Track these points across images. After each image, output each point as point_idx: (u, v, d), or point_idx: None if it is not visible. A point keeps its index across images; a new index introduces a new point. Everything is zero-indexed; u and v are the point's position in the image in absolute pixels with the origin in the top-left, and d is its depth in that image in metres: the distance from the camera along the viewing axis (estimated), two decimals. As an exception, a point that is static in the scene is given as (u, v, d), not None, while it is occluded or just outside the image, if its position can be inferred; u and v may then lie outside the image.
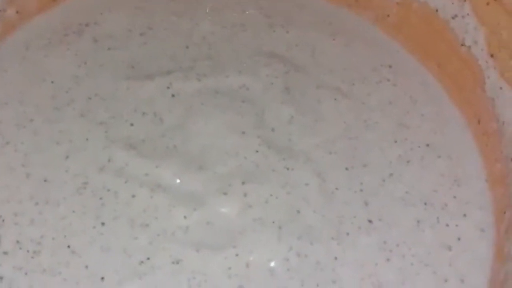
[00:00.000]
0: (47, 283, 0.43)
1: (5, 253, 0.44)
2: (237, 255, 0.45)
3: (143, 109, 0.52)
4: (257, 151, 0.50)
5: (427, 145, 0.52)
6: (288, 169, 0.49)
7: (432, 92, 0.55)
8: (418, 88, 0.56)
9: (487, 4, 0.50)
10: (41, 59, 0.54)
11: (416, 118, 0.53)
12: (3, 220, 0.46)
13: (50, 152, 0.49)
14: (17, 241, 0.45)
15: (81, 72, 0.54)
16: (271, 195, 0.48)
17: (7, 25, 0.56)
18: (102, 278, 0.44)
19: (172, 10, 0.59)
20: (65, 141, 0.50)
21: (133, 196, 0.47)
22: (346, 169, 0.50)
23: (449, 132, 0.53)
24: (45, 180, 0.48)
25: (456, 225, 0.48)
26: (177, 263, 0.45)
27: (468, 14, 0.52)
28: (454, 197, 0.49)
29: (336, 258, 0.46)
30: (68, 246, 0.45)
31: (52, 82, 0.53)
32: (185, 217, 0.46)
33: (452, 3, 0.53)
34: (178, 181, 0.48)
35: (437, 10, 0.54)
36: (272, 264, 0.45)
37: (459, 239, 0.47)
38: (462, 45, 0.53)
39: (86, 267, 0.44)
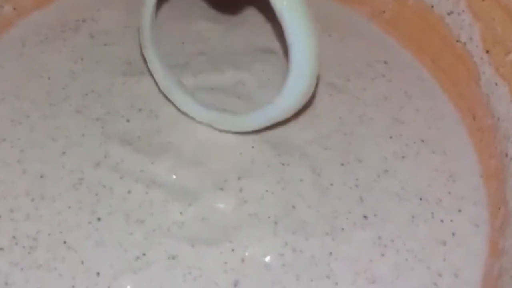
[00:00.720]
0: (43, 278, 0.44)
1: (1, 249, 0.44)
2: (232, 250, 0.45)
3: (139, 105, 0.52)
4: (252, 147, 0.50)
5: (422, 140, 0.52)
6: (283, 164, 0.49)
7: (427, 88, 0.56)
8: (413, 84, 0.56)
9: (482, 0, 0.50)
10: (37, 55, 0.55)
11: (411, 113, 0.54)
12: (0, 216, 0.46)
13: (46, 148, 0.49)
14: (13, 237, 0.45)
15: (78, 68, 0.54)
16: (266, 190, 0.48)
17: (4, 22, 0.56)
18: (98, 273, 0.44)
19: (168, 6, 0.59)
20: (61, 137, 0.50)
21: (129, 191, 0.47)
22: (342, 164, 0.50)
23: (444, 128, 0.53)
24: (41, 176, 0.48)
25: (451, 220, 0.48)
26: (173, 258, 0.45)
27: (463, 11, 0.52)
28: (449, 192, 0.50)
29: (331, 253, 0.46)
30: (64, 242, 0.45)
31: (49, 78, 0.53)
32: (180, 212, 0.46)
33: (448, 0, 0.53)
34: (173, 176, 0.48)
35: (432, 6, 0.54)
36: (268, 259, 0.45)
37: (453, 234, 0.48)
38: (457, 41, 0.53)
39: (82, 262, 0.44)
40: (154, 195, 0.47)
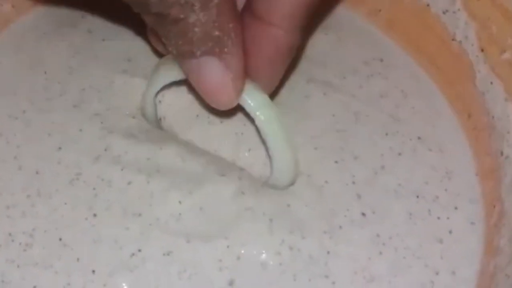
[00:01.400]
0: (39, 276, 0.43)
1: (-2, 245, 0.44)
2: (228, 246, 0.45)
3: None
4: (249, 150, 0.50)
5: (419, 137, 0.52)
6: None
7: (423, 86, 0.56)
8: (409, 82, 0.56)
9: (478, -1, 0.51)
10: (34, 50, 0.54)
11: (407, 111, 0.53)
12: (-4, 213, 0.45)
13: (42, 144, 0.49)
14: (9, 234, 0.45)
15: (75, 63, 0.53)
16: (242, 192, 0.47)
17: (3, 20, 0.56)
18: (93, 271, 0.44)
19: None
20: (57, 132, 0.49)
21: (129, 183, 0.47)
22: (336, 162, 0.50)
23: (440, 125, 0.53)
24: (37, 172, 0.47)
25: (447, 218, 0.48)
26: (168, 254, 0.45)
27: (459, 9, 0.52)
28: (445, 190, 0.50)
29: (328, 252, 0.46)
30: (60, 239, 0.45)
31: (45, 72, 0.53)
32: (179, 202, 0.46)
33: (444, -2, 0.53)
34: (180, 162, 0.47)
35: (428, 5, 0.54)
36: (264, 257, 0.45)
37: (450, 232, 0.48)
38: (453, 39, 0.53)
39: (78, 259, 0.44)
40: (155, 185, 0.47)
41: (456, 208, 0.49)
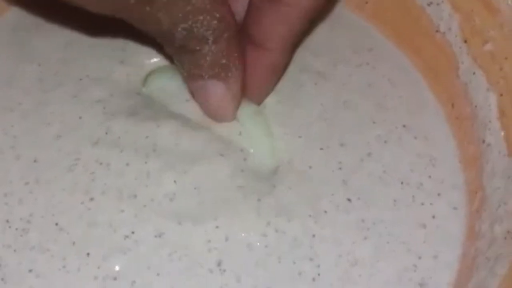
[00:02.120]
0: (35, 259, 0.45)
1: (-6, 232, 0.45)
2: (217, 227, 0.46)
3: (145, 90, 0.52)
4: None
5: (404, 126, 0.53)
6: None
7: (410, 76, 0.57)
8: (397, 72, 0.57)
9: (461, -9, 0.52)
10: (26, 42, 0.55)
11: (394, 100, 0.54)
12: (-7, 201, 0.46)
13: (41, 134, 0.49)
14: (7, 221, 0.46)
15: (69, 55, 0.54)
16: (241, 170, 0.49)
17: (-6, 10, 0.56)
18: (88, 253, 0.45)
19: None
20: (56, 122, 0.50)
21: (127, 164, 0.48)
22: (321, 149, 0.51)
23: (425, 114, 0.54)
24: (35, 161, 0.48)
25: (431, 204, 0.49)
26: (160, 236, 0.46)
27: (443, 1, 0.53)
28: (429, 176, 0.51)
29: (313, 235, 0.47)
30: (56, 224, 0.46)
31: (39, 64, 0.53)
32: (175, 181, 0.47)
33: (428, -10, 0.55)
34: (177, 140, 0.48)
35: (413, -4, 0.55)
36: (251, 239, 0.46)
37: (433, 217, 0.49)
38: (437, 31, 0.54)
39: (73, 243, 0.45)
40: (152, 164, 0.48)
41: (439, 194, 0.50)
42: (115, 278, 0.45)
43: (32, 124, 0.50)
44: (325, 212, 0.48)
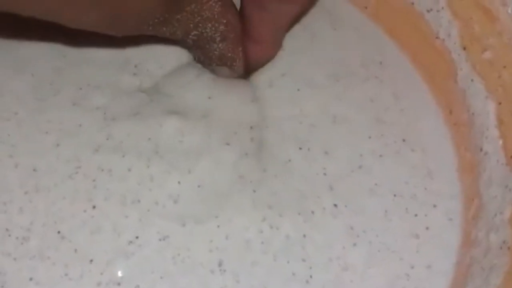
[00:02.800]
0: (36, 267, 0.45)
1: (-6, 241, 0.46)
2: (218, 226, 0.47)
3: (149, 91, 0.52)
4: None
5: (403, 140, 0.53)
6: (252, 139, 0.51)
7: (413, 86, 0.56)
8: (401, 81, 0.56)
9: (461, -2, 0.52)
10: (18, 53, 0.54)
11: (396, 114, 0.54)
12: (-8, 210, 0.47)
13: (39, 142, 0.49)
14: (6, 229, 0.46)
15: (63, 64, 0.53)
16: (246, 153, 0.49)
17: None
18: (91, 260, 0.45)
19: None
20: (54, 130, 0.50)
21: (129, 169, 0.48)
22: (300, 148, 0.51)
23: (424, 125, 0.54)
24: (34, 169, 0.48)
25: (425, 215, 0.49)
26: (164, 239, 0.46)
27: (442, 8, 0.53)
28: (425, 188, 0.51)
29: (304, 235, 0.47)
30: (58, 232, 0.46)
31: (32, 75, 0.53)
32: (179, 182, 0.48)
33: (428, -3, 0.54)
34: (180, 137, 0.49)
35: (413, 3, 0.55)
36: (248, 234, 0.47)
37: (427, 228, 0.49)
38: (436, 37, 0.54)
39: (75, 250, 0.46)
40: (155, 167, 0.48)
41: (435, 205, 0.50)
42: (118, 284, 0.45)
43: (30, 133, 0.50)
44: (312, 212, 0.48)
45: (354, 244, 0.47)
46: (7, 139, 0.49)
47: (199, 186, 0.48)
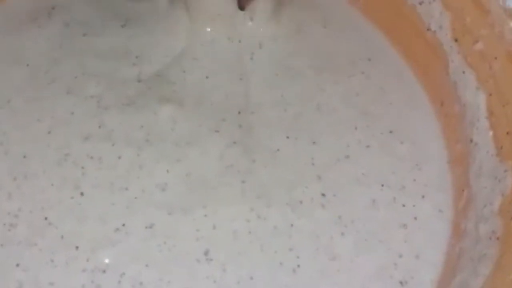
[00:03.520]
0: (23, 253, 0.45)
1: (-20, 228, 0.46)
2: (205, 216, 0.47)
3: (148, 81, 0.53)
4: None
5: (391, 131, 0.53)
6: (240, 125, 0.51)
7: (403, 79, 0.56)
8: (391, 77, 0.56)
9: (452, -10, 0.52)
10: (13, 43, 0.55)
11: (383, 107, 0.54)
12: (-20, 197, 0.47)
13: (31, 130, 0.50)
14: (-6, 216, 0.46)
15: (59, 55, 0.54)
16: (234, 142, 0.50)
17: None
18: (77, 247, 0.46)
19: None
20: (46, 117, 0.50)
21: (119, 157, 0.49)
22: (287, 137, 0.51)
23: (414, 117, 0.54)
24: (24, 156, 0.49)
25: (413, 206, 0.49)
26: (150, 227, 0.47)
27: (434, 0, 0.53)
28: (414, 180, 0.51)
29: (292, 225, 0.47)
30: (45, 218, 0.46)
31: (28, 65, 0.53)
32: (167, 171, 0.48)
33: (419, -11, 0.54)
34: (173, 124, 0.49)
35: (405, -4, 0.56)
36: (236, 225, 0.47)
37: (415, 218, 0.49)
38: (428, 29, 0.54)
39: (62, 237, 0.46)
40: (145, 156, 0.49)
41: (423, 196, 0.50)
42: (104, 271, 0.45)
43: (22, 121, 0.50)
44: (301, 202, 0.48)
45: (342, 234, 0.47)
46: None
47: (187, 175, 0.48)
